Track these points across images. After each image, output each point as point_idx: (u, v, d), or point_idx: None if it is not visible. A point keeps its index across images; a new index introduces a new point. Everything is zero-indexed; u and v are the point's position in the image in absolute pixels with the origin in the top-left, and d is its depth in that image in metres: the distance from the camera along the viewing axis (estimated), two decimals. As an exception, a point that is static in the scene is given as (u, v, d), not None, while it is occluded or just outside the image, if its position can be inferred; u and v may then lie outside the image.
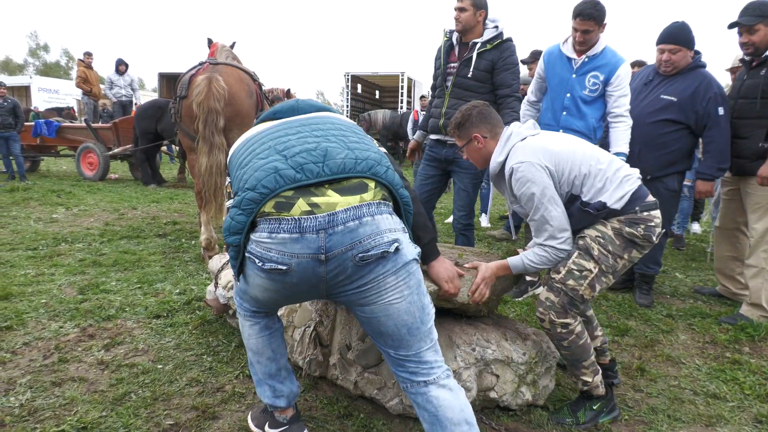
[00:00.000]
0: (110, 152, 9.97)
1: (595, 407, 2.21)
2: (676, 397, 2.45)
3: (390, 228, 1.56)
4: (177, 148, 11.23)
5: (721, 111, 3.35)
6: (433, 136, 3.53)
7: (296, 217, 1.50)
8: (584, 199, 2.09)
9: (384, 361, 2.16)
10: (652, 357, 2.89)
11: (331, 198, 1.52)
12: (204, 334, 2.92)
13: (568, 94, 3.43)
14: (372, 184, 1.60)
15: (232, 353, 2.71)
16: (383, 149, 1.84)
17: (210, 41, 5.27)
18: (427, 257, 2.00)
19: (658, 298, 3.86)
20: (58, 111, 18.04)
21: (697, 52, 3.50)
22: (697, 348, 2.98)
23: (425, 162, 3.59)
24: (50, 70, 44.64)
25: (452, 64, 3.42)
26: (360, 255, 1.51)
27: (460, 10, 3.29)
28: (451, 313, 2.40)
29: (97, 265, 4.25)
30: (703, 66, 3.51)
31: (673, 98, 3.44)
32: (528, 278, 3.73)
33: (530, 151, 2.11)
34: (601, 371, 2.25)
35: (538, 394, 2.27)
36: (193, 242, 5.18)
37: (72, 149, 10.88)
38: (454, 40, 3.42)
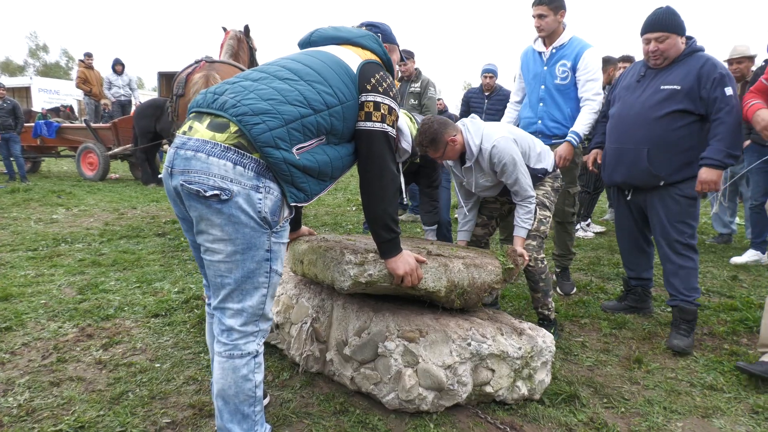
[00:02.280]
0: (110, 152, 9.99)
1: (552, 331, 2.89)
2: (673, 389, 2.45)
3: (222, 175, 1.54)
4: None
5: (729, 91, 2.75)
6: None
7: (178, 134, 1.69)
8: (533, 166, 2.83)
9: (380, 356, 2.16)
10: (649, 349, 2.89)
11: (201, 126, 1.62)
12: (202, 333, 2.93)
13: (543, 86, 3.57)
14: (234, 128, 1.58)
15: (230, 351, 2.72)
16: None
17: (224, 29, 5.38)
18: (382, 255, 2.02)
19: (657, 290, 3.85)
20: (55, 111, 18.06)
21: (690, 38, 3.00)
22: (696, 340, 2.98)
23: None
24: (50, 71, 44.66)
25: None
26: (182, 182, 1.58)
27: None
28: (447, 309, 2.40)
29: (96, 265, 4.27)
30: (701, 49, 2.96)
31: (676, 86, 2.86)
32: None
33: (497, 130, 2.76)
34: None
35: (534, 388, 2.27)
36: (192, 241, 5.19)
37: (72, 150, 10.91)
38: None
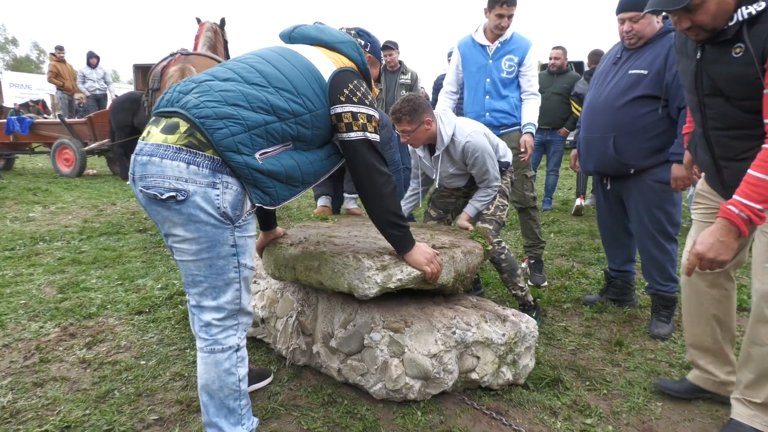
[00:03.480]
0: (86, 147, 9.79)
1: (534, 315, 2.94)
2: (653, 370, 2.52)
3: (177, 176, 1.55)
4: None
5: None
6: None
7: (138, 139, 1.69)
8: (500, 160, 3.00)
9: (366, 347, 2.18)
10: (630, 332, 2.96)
11: (156, 130, 1.62)
12: (187, 328, 2.92)
13: (488, 79, 3.65)
14: (183, 128, 1.58)
15: (216, 346, 2.71)
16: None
17: (198, 20, 5.26)
18: (398, 251, 2.05)
19: (639, 274, 3.91)
20: (25, 106, 17.61)
21: (667, 17, 2.82)
22: (675, 321, 3.05)
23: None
24: (20, 65, 43.48)
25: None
26: (141, 188, 1.60)
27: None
28: (430, 297, 2.43)
29: (76, 263, 4.20)
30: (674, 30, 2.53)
31: (643, 71, 2.75)
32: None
33: (470, 124, 2.90)
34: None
35: (518, 373, 2.31)
36: (174, 236, 5.14)
37: (47, 146, 10.67)
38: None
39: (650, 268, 2.98)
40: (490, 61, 3.64)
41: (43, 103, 18.01)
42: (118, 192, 7.98)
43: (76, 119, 10.48)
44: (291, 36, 1.98)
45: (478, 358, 2.23)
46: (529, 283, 3.89)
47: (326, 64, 1.81)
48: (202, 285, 1.67)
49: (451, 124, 2.84)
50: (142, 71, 16.19)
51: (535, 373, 2.42)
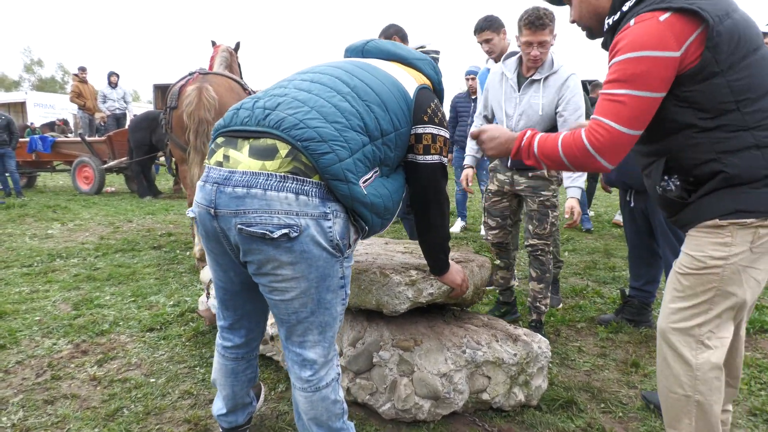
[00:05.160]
0: (105, 165, 9.98)
1: (543, 333, 3.01)
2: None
3: (287, 210, 1.37)
4: (173, 159, 11.23)
5: None
6: None
7: (209, 166, 1.50)
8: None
9: (375, 366, 2.15)
10: (646, 353, 2.89)
11: (240, 155, 1.43)
12: (197, 346, 2.92)
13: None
14: (284, 151, 1.38)
15: (226, 364, 2.70)
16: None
17: (213, 43, 5.35)
18: (438, 273, 2.02)
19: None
20: (50, 126, 18.06)
21: None
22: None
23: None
24: (45, 86, 44.69)
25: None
26: (240, 225, 1.40)
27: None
28: (440, 315, 2.40)
29: (91, 279, 4.25)
30: None
31: None
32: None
33: None
34: None
35: (531, 394, 2.26)
36: (188, 253, 5.18)
37: (68, 164, 10.90)
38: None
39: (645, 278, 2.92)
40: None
41: (65, 122, 18.49)
42: (134, 209, 8.08)
43: (95, 138, 10.71)
44: (364, 50, 1.86)
45: (489, 378, 2.18)
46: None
47: (409, 80, 1.69)
48: (307, 322, 1.51)
49: (559, 62, 2.77)
50: (161, 91, 16.51)
51: (548, 394, 2.37)
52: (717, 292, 1.59)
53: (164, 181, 12.89)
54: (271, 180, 1.38)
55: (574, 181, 2.81)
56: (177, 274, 4.44)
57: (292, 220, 1.38)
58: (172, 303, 3.66)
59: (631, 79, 1.43)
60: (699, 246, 1.61)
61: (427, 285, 2.06)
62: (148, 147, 9.35)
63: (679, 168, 1.58)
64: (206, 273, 3.08)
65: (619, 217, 6.87)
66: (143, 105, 24.46)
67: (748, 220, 1.51)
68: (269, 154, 1.40)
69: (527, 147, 1.64)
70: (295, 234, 1.38)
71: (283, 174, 1.38)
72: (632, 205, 3.04)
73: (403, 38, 4.24)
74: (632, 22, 1.45)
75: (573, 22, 1.76)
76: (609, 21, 1.61)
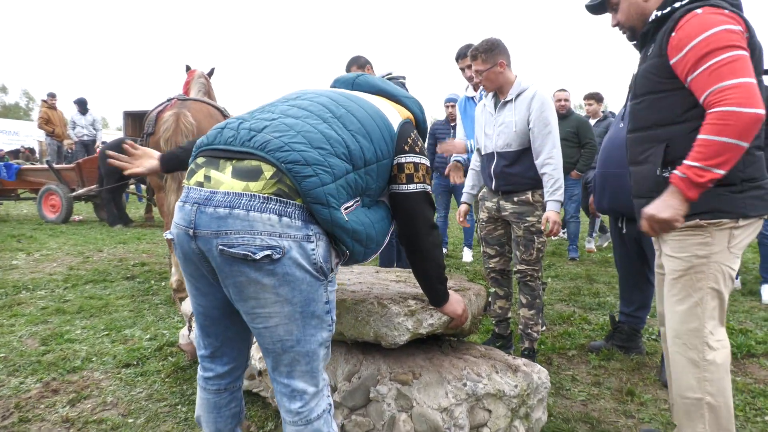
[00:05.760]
0: (74, 193, 9.67)
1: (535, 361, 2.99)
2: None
3: (270, 232, 1.34)
4: (144, 186, 11.00)
5: None
6: None
7: (189, 186, 1.46)
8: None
9: (372, 401, 2.06)
10: (639, 380, 2.86)
11: (222, 176, 1.40)
12: (178, 382, 2.76)
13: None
14: (268, 173, 1.37)
15: (209, 401, 2.56)
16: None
17: (188, 67, 5.25)
18: (437, 303, 1.96)
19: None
20: (14, 153, 17.54)
21: None
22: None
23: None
24: (9, 112, 43.62)
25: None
26: (221, 246, 1.35)
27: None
28: (437, 346, 2.33)
29: (60, 312, 4.03)
30: None
31: None
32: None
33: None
34: None
35: (531, 427, 2.19)
36: (163, 284, 4.99)
37: (33, 191, 10.52)
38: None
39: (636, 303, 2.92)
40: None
41: (31, 150, 17.99)
42: (105, 238, 7.81)
43: (64, 165, 10.40)
44: (354, 83, 1.89)
45: (489, 411, 2.11)
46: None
47: (394, 114, 1.70)
48: (292, 351, 1.46)
49: (532, 80, 2.90)
50: (131, 118, 16.27)
51: (548, 426, 2.31)
52: (707, 291, 1.77)
53: (134, 209, 12.56)
54: (254, 201, 1.35)
55: (551, 195, 2.81)
56: (152, 306, 4.26)
57: (274, 241, 1.35)
58: (148, 336, 3.49)
59: (729, 44, 1.58)
60: (683, 247, 1.80)
61: (427, 315, 1.99)
62: (119, 174, 9.11)
63: (673, 157, 1.75)
64: (188, 305, 2.95)
65: (590, 245, 6.94)
66: (112, 132, 24.06)
67: (723, 221, 1.71)
68: (253, 175, 1.38)
69: (690, 175, 1.61)
70: (278, 256, 1.35)
71: (266, 195, 1.36)
72: (624, 231, 3.05)
73: (371, 68, 4.41)
74: (699, 10, 1.65)
75: (616, 25, 1.98)
76: (657, 13, 1.80)
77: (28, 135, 22.36)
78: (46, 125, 11.58)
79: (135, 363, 3.04)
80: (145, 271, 5.58)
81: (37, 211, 10.26)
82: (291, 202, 1.38)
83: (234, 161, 1.42)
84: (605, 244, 7.24)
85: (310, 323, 1.46)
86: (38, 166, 11.21)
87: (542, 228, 2.84)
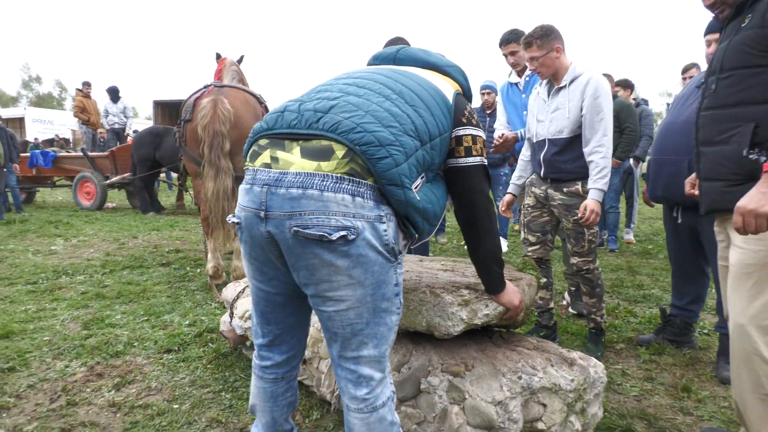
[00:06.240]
0: (108, 181, 9.84)
1: (603, 340, 3.03)
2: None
3: (344, 212, 1.31)
4: (176, 175, 11.11)
5: None
6: None
7: (255, 168, 1.42)
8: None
9: (423, 392, 2.00)
10: (695, 376, 2.74)
11: (291, 156, 1.36)
12: (220, 369, 2.75)
13: (525, 112, 3.66)
14: (340, 152, 1.33)
15: (252, 388, 2.54)
16: None
17: (218, 56, 5.23)
18: (493, 290, 1.88)
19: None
20: (50, 142, 17.95)
21: None
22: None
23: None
24: (43, 102, 44.67)
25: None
26: (295, 228, 1.31)
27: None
28: (488, 337, 2.25)
29: (100, 297, 4.08)
30: None
31: None
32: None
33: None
34: None
35: (587, 423, 2.11)
36: (198, 270, 5.01)
37: (69, 179, 10.74)
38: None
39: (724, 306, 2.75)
40: (523, 95, 3.69)
41: (66, 139, 18.39)
42: (139, 225, 7.92)
43: (98, 153, 10.58)
44: (396, 58, 1.82)
45: (544, 405, 2.02)
46: (572, 311, 3.71)
47: (446, 86, 1.65)
48: (362, 334, 1.42)
49: (582, 68, 2.81)
50: (161, 107, 16.50)
51: (604, 422, 2.22)
52: None
53: (165, 197, 12.74)
54: (327, 181, 1.32)
55: (595, 183, 2.71)
56: (189, 292, 4.27)
57: (349, 221, 1.32)
58: (187, 322, 3.49)
59: None
60: (760, 239, 1.64)
61: (482, 305, 1.91)
62: (151, 162, 9.24)
63: (762, 138, 1.61)
64: (230, 291, 2.93)
65: (628, 236, 6.71)
66: (142, 121, 24.42)
67: None
68: (325, 155, 1.34)
69: None
70: (353, 236, 1.32)
71: (339, 175, 1.32)
72: (679, 221, 2.90)
73: None
74: None
75: (712, 4, 1.83)
76: None
77: (62, 124, 22.85)
78: (81, 114, 11.78)
79: (176, 349, 3.04)
80: (180, 257, 5.62)
81: (72, 198, 10.46)
82: (363, 181, 1.34)
83: (300, 141, 1.38)
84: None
85: (380, 306, 1.42)
86: (73, 153, 11.44)
87: (579, 215, 2.74)
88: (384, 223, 1.37)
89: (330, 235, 1.30)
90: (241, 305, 2.74)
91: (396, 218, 1.43)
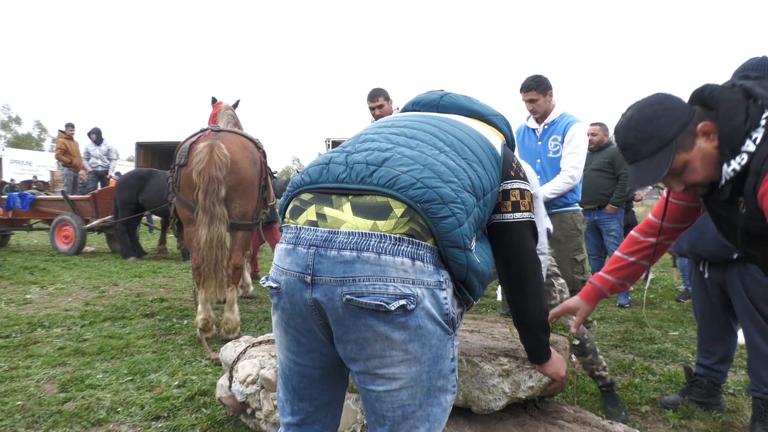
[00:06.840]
0: (88, 225, 9.49)
1: (617, 394, 2.86)
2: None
3: (403, 278, 1.17)
4: (156, 218, 10.81)
5: None
6: None
7: (299, 226, 1.26)
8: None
9: (455, 474, 1.77)
10: (731, 444, 2.55)
11: (342, 213, 1.22)
12: (216, 440, 2.47)
13: (538, 160, 3.74)
14: (399, 210, 1.20)
15: (254, 464, 2.27)
16: None
17: (214, 100, 5.12)
18: (538, 360, 1.70)
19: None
20: (27, 184, 17.56)
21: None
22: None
23: None
24: (22, 142, 44.10)
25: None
26: (348, 296, 1.16)
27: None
28: (522, 408, 2.05)
29: (79, 353, 3.76)
30: None
31: None
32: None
33: None
34: None
35: (635, 506, 1.90)
36: (185, 322, 4.71)
37: (46, 222, 10.36)
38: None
39: (758, 367, 2.58)
40: (539, 143, 3.74)
41: (44, 183, 18.00)
42: (119, 271, 7.57)
43: (79, 195, 10.27)
44: (440, 105, 1.68)
45: (591, 488, 1.82)
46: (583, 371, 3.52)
47: (494, 137, 1.52)
48: (413, 417, 1.26)
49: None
50: (144, 149, 16.32)
51: (651, 504, 2.00)
52: None
53: (146, 240, 12.37)
54: (384, 242, 1.17)
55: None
56: (177, 347, 3.98)
57: (408, 289, 1.17)
58: (177, 383, 3.20)
59: None
60: None
61: (525, 376, 1.73)
62: (134, 206, 8.97)
63: None
64: (229, 352, 2.68)
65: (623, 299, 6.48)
66: (123, 163, 24.13)
67: None
68: (381, 212, 1.20)
69: None
70: (412, 306, 1.17)
71: (398, 235, 1.18)
72: (706, 276, 2.77)
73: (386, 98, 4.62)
74: None
75: (684, 190, 1.63)
76: (731, 168, 1.50)
77: (41, 165, 22.47)
78: (63, 156, 11.53)
79: (166, 415, 2.75)
80: (164, 307, 5.32)
81: (49, 241, 10.07)
82: (423, 243, 1.19)
83: (351, 197, 1.24)
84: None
85: (435, 384, 1.27)
86: (53, 196, 11.10)
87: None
88: (444, 290, 1.23)
89: (388, 304, 1.14)
90: (242, 368, 2.50)
91: (453, 284, 1.26)
